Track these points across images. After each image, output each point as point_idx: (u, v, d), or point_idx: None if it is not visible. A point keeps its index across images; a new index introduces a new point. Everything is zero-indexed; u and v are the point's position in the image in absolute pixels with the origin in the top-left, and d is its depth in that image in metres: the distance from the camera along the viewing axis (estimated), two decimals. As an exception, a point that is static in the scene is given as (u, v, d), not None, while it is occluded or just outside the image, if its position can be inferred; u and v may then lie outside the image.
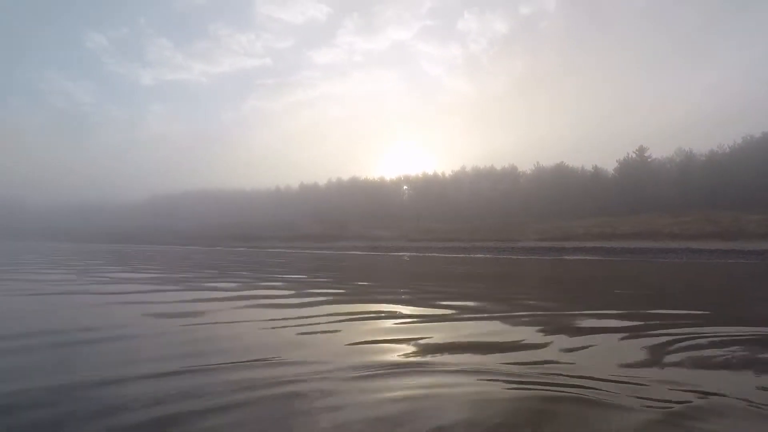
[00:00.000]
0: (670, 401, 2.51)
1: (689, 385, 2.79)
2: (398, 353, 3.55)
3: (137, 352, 3.61)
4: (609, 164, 69.96)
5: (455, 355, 3.49)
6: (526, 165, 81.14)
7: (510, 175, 79.38)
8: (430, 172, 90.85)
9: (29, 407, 2.38)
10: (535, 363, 3.26)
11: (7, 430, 2.14)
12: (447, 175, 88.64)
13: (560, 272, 15.29)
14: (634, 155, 65.80)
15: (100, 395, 2.54)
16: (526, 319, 5.28)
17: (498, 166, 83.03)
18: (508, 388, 2.69)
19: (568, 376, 2.93)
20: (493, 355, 3.50)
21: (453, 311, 5.85)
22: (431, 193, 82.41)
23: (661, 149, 73.53)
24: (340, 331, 4.51)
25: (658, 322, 5.08)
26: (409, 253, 34.66)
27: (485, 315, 5.61)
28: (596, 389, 2.68)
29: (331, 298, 7.29)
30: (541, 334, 4.36)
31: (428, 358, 3.36)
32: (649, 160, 65.59)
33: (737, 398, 2.61)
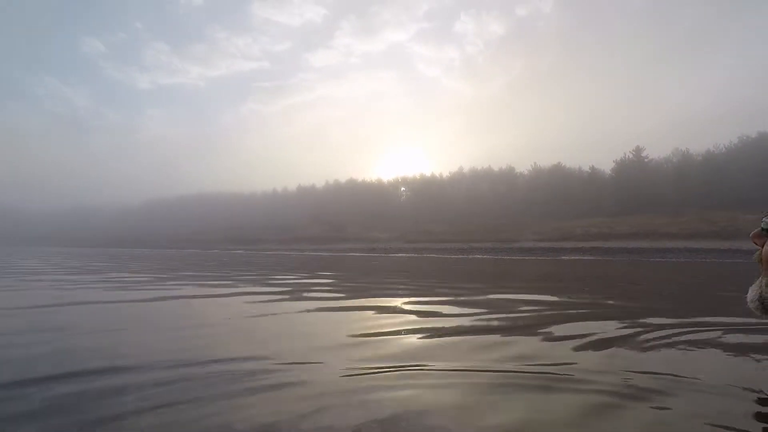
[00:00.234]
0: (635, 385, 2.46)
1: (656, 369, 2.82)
2: (391, 351, 3.46)
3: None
4: (606, 164, 70.28)
5: (447, 354, 3.40)
6: (523, 166, 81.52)
7: (507, 176, 79.62)
8: (428, 173, 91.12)
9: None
10: (535, 363, 3.17)
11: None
12: (444, 176, 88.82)
13: (559, 270, 15.22)
14: (631, 155, 66.07)
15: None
16: (526, 316, 5.21)
17: (495, 167, 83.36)
18: (500, 384, 2.60)
19: (567, 375, 2.85)
20: (489, 353, 3.42)
21: (449, 308, 5.76)
22: (429, 195, 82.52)
23: (657, 149, 73.83)
24: (331, 328, 4.42)
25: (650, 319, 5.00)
26: (407, 255, 34.59)
27: (484, 313, 5.53)
28: (594, 381, 2.59)
29: (325, 295, 7.20)
30: (541, 334, 4.28)
31: (422, 357, 3.27)
32: (645, 160, 65.89)
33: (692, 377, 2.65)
